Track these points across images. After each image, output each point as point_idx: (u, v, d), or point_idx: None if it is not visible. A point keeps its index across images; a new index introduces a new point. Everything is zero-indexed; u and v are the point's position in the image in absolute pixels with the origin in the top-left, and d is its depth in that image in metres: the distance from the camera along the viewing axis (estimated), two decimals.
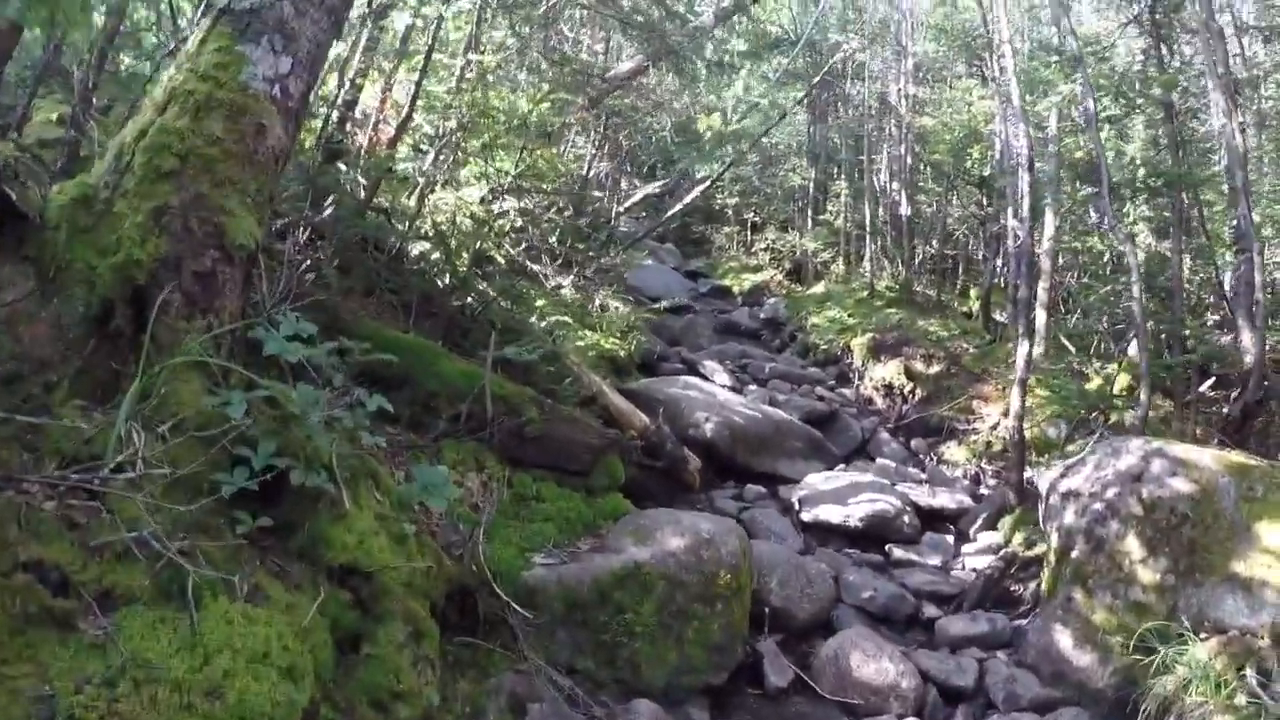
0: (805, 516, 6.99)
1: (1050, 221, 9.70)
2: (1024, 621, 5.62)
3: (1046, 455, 8.42)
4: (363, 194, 5.41)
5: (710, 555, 4.21)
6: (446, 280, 5.82)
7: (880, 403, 10.83)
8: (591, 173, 10.68)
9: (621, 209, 11.09)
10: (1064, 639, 4.96)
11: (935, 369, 10.87)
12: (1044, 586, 5.38)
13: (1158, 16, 7.49)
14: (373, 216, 5.26)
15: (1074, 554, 5.15)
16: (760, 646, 4.61)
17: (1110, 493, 5.18)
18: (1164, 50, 8.80)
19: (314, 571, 2.53)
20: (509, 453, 4.63)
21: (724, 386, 9.40)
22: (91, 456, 2.36)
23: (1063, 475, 5.58)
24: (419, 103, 6.24)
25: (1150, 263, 8.69)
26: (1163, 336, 7.61)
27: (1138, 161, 9.78)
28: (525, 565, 3.96)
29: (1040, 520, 5.69)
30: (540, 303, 6.32)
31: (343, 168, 5.33)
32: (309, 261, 4.46)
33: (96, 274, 2.81)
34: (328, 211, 4.91)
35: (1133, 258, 6.44)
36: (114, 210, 2.90)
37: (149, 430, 2.46)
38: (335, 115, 6.23)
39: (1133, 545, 4.94)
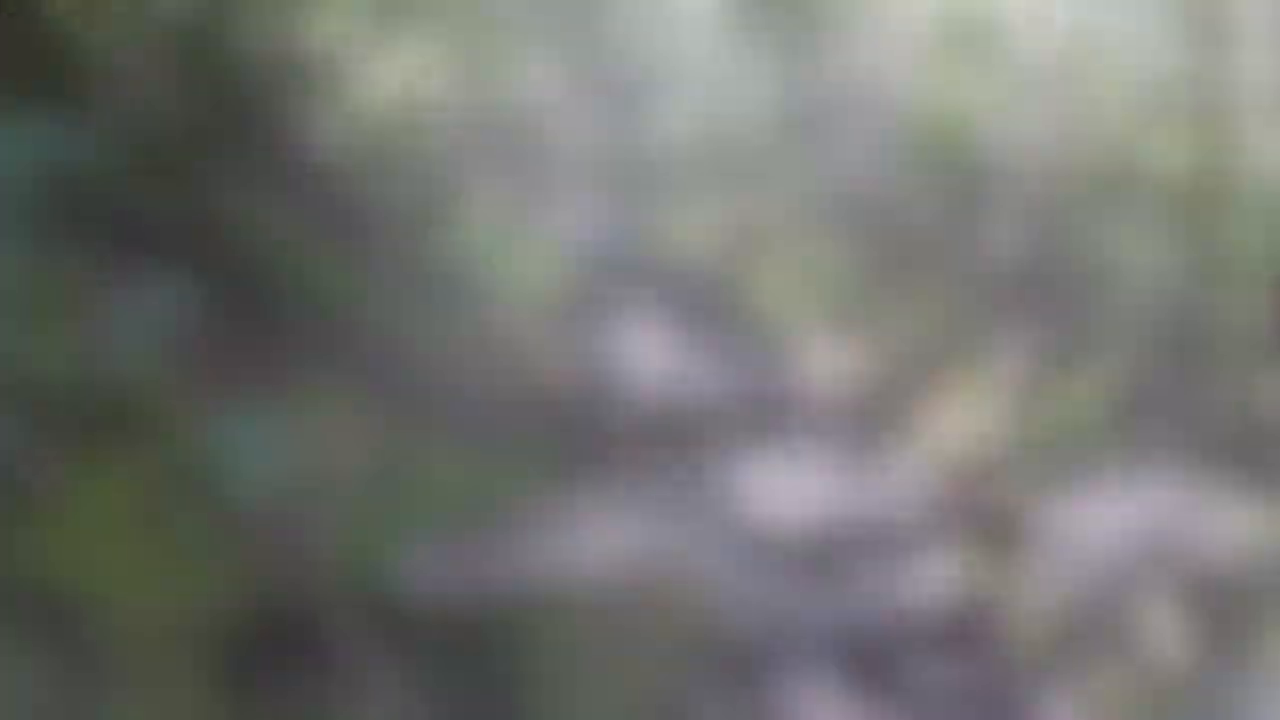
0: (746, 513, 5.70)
1: None
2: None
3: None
4: None
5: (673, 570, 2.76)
6: None
7: None
8: None
9: None
10: None
11: None
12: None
13: None
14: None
15: (1075, 619, 4.14)
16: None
17: (1130, 544, 4.22)
18: None
19: None
20: None
21: None
22: None
23: (1059, 511, 4.59)
24: None
25: None
26: None
27: None
28: (400, 551, 2.35)
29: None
30: None
31: None
32: None
33: None
34: None
35: None
36: None
37: None
38: None
39: (1157, 616, 4.00)
